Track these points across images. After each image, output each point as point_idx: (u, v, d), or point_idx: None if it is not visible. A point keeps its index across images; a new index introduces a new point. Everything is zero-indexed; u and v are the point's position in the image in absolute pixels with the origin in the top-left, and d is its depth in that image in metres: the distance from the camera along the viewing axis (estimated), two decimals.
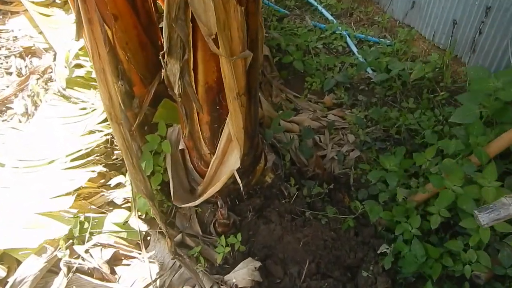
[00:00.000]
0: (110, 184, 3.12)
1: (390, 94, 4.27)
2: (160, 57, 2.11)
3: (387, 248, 2.90)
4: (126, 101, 2.68)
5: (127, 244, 2.88)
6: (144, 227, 2.95)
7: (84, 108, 3.77)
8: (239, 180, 2.46)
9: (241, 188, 2.47)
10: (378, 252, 2.98)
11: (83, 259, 2.70)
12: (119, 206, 3.11)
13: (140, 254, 2.81)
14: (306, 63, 4.58)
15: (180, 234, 2.98)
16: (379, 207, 3.08)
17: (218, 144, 2.55)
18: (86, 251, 2.75)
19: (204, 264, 2.81)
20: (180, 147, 2.80)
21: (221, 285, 2.71)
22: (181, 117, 2.56)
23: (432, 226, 2.77)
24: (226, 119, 2.40)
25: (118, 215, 3.01)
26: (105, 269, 2.68)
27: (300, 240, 3.12)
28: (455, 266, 2.69)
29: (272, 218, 3.16)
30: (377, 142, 3.79)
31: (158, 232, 2.90)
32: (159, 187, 2.91)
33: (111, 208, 3.08)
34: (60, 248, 2.69)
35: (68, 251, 2.71)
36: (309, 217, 3.24)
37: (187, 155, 2.85)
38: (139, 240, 2.68)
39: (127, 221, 2.97)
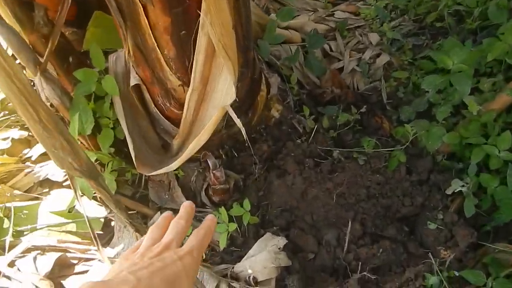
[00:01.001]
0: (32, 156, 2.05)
1: None
2: None
3: (463, 185, 1.98)
4: (20, 14, 1.53)
5: (79, 240, 1.89)
6: (101, 211, 1.94)
7: None
8: (237, 120, 1.42)
9: (243, 132, 1.44)
10: (448, 192, 2.06)
11: (8, 278, 1.71)
12: (59, 185, 2.07)
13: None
14: None
15: (158, 212, 2.00)
16: (439, 128, 2.11)
17: (193, 66, 1.48)
18: (11, 264, 1.75)
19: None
20: (133, 82, 1.71)
21: (231, 282, 1.78)
22: (118, 27, 1.46)
23: None
24: (199, 17, 1.31)
25: (58, 199, 1.98)
26: (46, 286, 1.70)
27: (332, 193, 2.18)
28: None
29: (288, 168, 2.18)
30: (409, 38, 2.74)
31: None
32: (112, 150, 1.86)
33: (45, 190, 2.04)
34: None
35: None
36: (338, 157, 2.27)
37: (147, 94, 1.77)
38: (93, 232, 1.67)
39: (73, 206, 1.95)
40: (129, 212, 1.87)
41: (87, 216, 1.55)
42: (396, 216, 2.16)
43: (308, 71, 2.62)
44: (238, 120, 1.42)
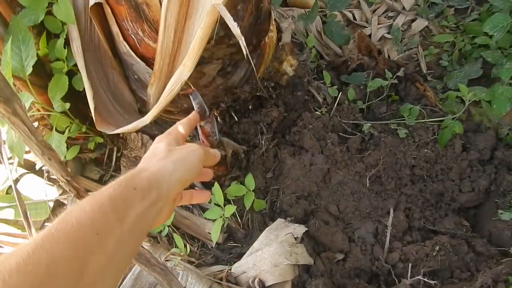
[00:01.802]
0: None
1: None
2: None
3: None
4: None
5: (18, 232, 1.37)
6: (51, 192, 1.43)
7: None
8: (231, 22, 0.94)
9: (241, 44, 0.95)
10: None
11: None
12: None
13: None
14: None
15: None
16: (507, 88, 1.59)
17: None
18: None
19: (186, 249, 1.33)
20: (93, 0, 1.24)
21: (228, 287, 1.23)
22: None
23: None
24: None
25: None
26: None
27: (363, 176, 1.65)
28: None
29: (305, 144, 1.67)
30: (451, 1, 2.26)
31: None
32: (68, 106, 1.37)
33: None
34: None
35: None
36: (370, 132, 1.75)
37: (114, 26, 1.31)
38: (26, 217, 1.15)
39: (18, 180, 1.45)
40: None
41: (21, 196, 1.05)
42: (451, 206, 1.61)
43: (329, 39, 2.15)
44: (243, 40, 0.94)
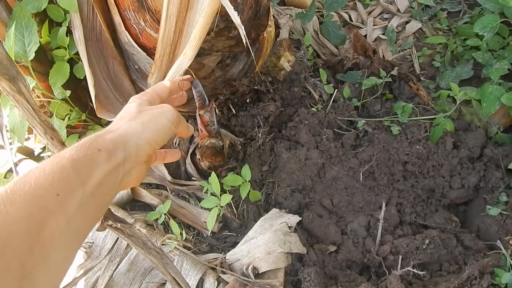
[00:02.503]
0: None
1: None
2: None
3: None
4: None
5: None
6: None
7: None
8: (233, 13, 0.97)
9: (241, 33, 0.98)
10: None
11: None
12: None
13: None
14: None
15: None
16: (496, 88, 1.64)
17: None
18: None
19: (182, 236, 1.35)
20: None
21: (222, 272, 1.26)
22: None
23: None
24: None
25: None
26: None
27: (357, 171, 1.68)
28: None
29: (301, 139, 1.70)
30: (444, 5, 2.32)
31: None
32: (68, 93, 1.39)
33: None
34: None
35: None
36: (364, 129, 1.79)
37: (116, 16, 1.33)
38: None
39: (17, 165, 1.46)
40: None
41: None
42: (442, 201, 1.65)
43: (326, 39, 2.19)
44: (241, 24, 0.97)
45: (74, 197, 0.46)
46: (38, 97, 1.41)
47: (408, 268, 1.35)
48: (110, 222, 1.05)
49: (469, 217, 1.63)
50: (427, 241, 1.45)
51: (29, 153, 1.54)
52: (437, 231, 1.51)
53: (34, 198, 0.42)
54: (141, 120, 0.60)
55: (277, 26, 1.62)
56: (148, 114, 0.62)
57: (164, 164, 1.54)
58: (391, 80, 1.86)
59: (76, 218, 0.46)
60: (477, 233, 1.55)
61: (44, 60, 1.36)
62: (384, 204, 1.60)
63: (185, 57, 1.15)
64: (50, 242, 0.42)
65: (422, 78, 2.07)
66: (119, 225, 1.06)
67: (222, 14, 1.14)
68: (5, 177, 1.41)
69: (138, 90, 1.49)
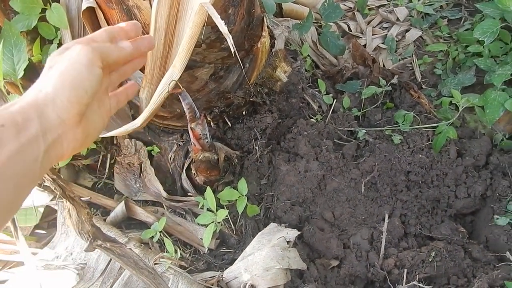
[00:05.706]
0: None
1: None
2: None
3: None
4: None
5: (5, 238, 1.35)
6: (42, 198, 1.42)
7: None
8: (218, 20, 0.94)
9: (229, 42, 0.95)
10: None
11: None
12: None
13: (35, 252, 1.30)
14: None
15: (122, 203, 1.47)
16: (499, 93, 1.59)
17: None
18: None
19: (178, 254, 1.31)
20: (85, 5, 1.26)
21: None
22: None
23: None
24: None
25: None
26: None
27: (359, 183, 1.63)
28: None
29: (300, 150, 1.66)
30: (444, 12, 2.29)
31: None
32: None
33: None
34: None
35: None
36: (365, 139, 1.75)
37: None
38: (13, 221, 1.13)
39: None
40: (87, 203, 1.36)
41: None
42: (448, 212, 1.59)
43: (325, 49, 2.17)
44: (220, 19, 0.94)
45: None
46: None
47: (414, 282, 1.30)
48: (99, 242, 1.02)
49: (476, 228, 1.57)
50: (433, 254, 1.40)
51: None
52: (443, 243, 1.46)
53: None
54: (51, 82, 0.50)
55: (272, 37, 1.60)
56: (56, 70, 0.51)
57: (159, 180, 1.51)
58: (391, 89, 1.83)
59: None
60: (486, 244, 1.49)
61: (34, 77, 1.34)
62: (387, 216, 1.54)
63: (175, 69, 1.12)
64: None
65: (423, 86, 2.03)
66: (108, 245, 1.03)
67: (212, 26, 1.12)
68: None
69: (131, 105, 1.47)
